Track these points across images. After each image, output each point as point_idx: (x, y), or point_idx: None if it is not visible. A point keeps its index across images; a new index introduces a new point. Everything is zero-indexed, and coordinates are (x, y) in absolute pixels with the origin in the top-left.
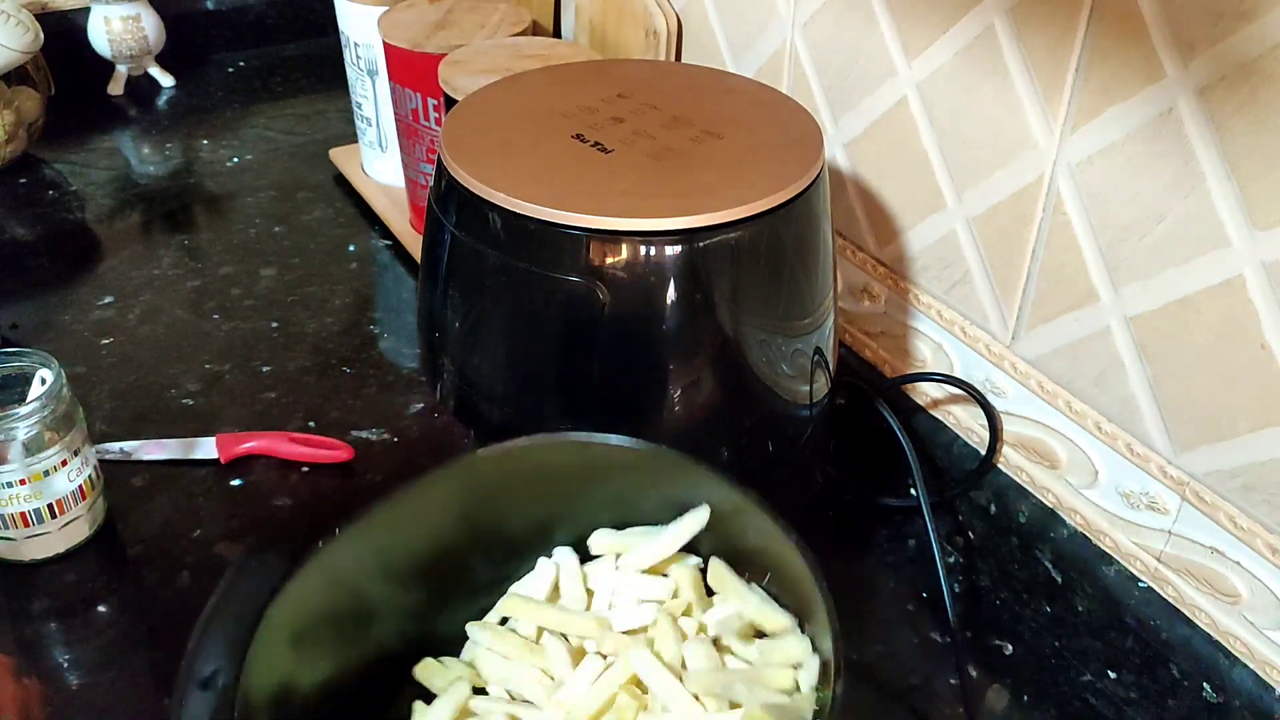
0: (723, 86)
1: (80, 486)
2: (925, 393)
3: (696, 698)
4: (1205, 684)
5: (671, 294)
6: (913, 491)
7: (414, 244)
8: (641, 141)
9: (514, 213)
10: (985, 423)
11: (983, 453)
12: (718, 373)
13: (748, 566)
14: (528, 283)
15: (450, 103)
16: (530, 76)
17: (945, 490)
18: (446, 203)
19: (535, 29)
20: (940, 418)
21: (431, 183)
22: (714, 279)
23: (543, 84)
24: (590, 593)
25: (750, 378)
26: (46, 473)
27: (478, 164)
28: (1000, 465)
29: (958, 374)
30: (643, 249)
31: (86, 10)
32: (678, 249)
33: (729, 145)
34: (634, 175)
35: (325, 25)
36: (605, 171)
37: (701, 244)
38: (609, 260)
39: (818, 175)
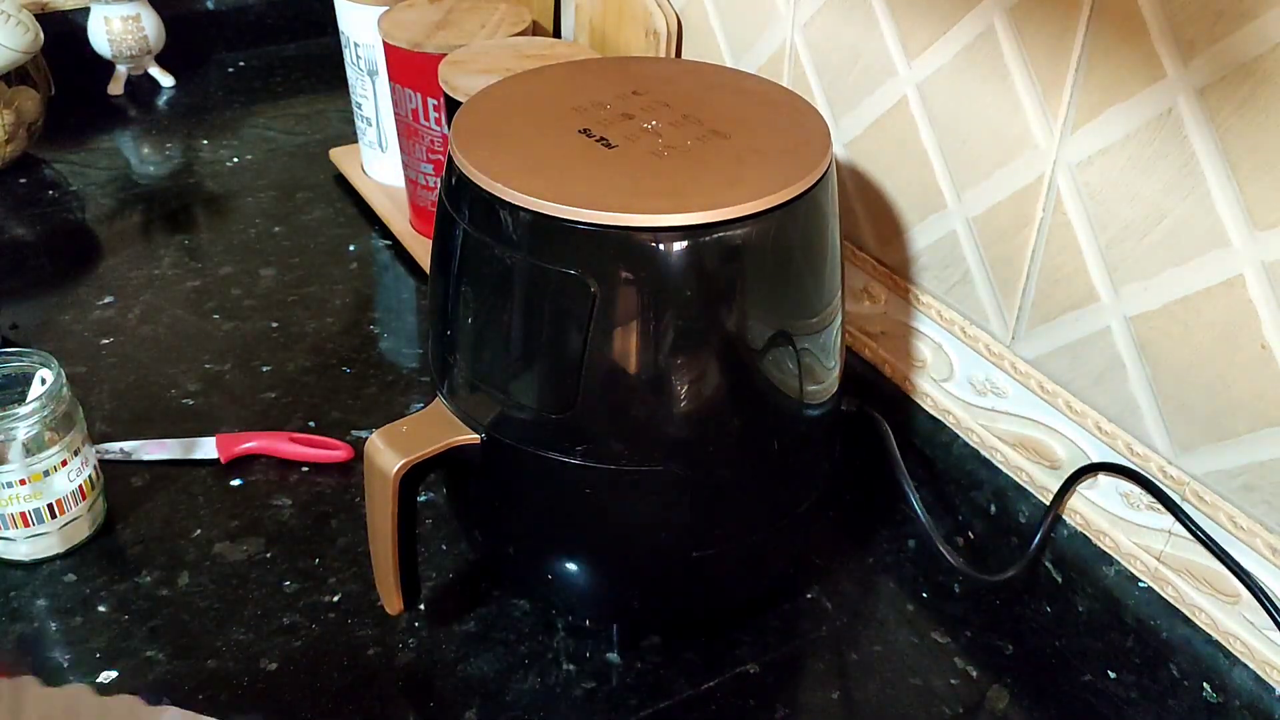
0: (739, 86)
1: (80, 486)
2: (926, 393)
3: None
4: (1205, 684)
5: (677, 291)
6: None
7: (414, 244)
8: (646, 138)
9: (516, 206)
10: (991, 425)
11: (988, 456)
12: (723, 371)
13: None
14: (534, 278)
15: (451, 102)
16: (550, 71)
17: (995, 571)
18: (454, 196)
19: (535, 29)
20: (940, 418)
21: (442, 176)
22: (720, 276)
23: (560, 79)
24: None
25: (756, 377)
26: (46, 473)
27: (483, 157)
28: (1000, 465)
29: (957, 374)
30: (643, 245)
31: (86, 10)
32: (682, 245)
33: (733, 144)
34: (633, 171)
35: (325, 25)
36: (605, 167)
37: (706, 240)
38: (611, 255)
39: (823, 176)
